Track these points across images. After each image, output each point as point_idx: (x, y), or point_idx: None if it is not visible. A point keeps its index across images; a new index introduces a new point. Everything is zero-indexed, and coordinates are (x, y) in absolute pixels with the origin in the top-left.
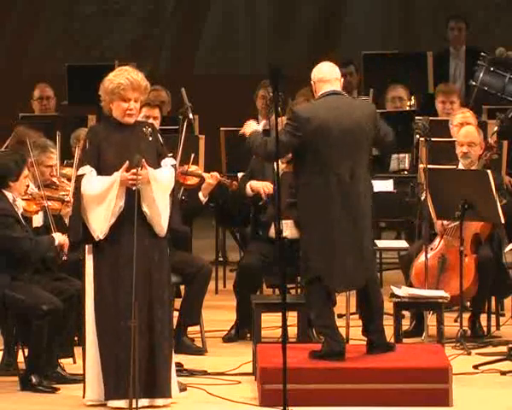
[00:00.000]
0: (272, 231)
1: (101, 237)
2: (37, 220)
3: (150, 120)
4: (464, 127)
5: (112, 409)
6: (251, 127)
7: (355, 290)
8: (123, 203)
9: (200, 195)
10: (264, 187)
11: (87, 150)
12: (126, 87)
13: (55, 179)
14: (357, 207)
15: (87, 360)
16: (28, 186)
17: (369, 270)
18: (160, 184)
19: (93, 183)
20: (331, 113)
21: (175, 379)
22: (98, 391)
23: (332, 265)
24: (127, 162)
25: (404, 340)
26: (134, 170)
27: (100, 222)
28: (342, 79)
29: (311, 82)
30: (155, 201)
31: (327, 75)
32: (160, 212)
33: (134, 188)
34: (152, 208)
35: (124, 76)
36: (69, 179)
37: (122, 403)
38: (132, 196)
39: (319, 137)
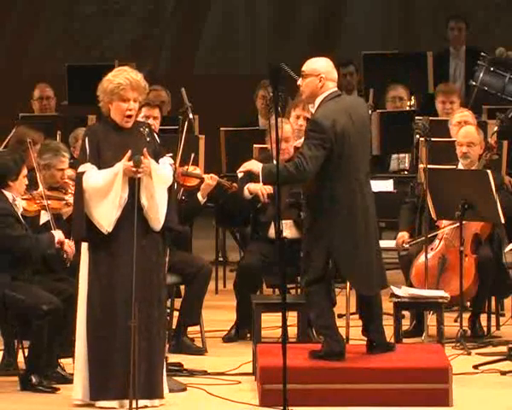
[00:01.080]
0: (271, 232)
1: (110, 229)
2: (45, 218)
3: (150, 120)
4: (464, 127)
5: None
6: (256, 164)
7: (355, 290)
8: (126, 195)
9: (199, 195)
10: (262, 189)
11: (87, 149)
12: (126, 87)
13: (66, 181)
14: (373, 207)
15: (77, 359)
16: (27, 185)
17: (384, 275)
18: (160, 177)
19: (95, 176)
20: (347, 116)
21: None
22: (85, 391)
23: (361, 270)
24: (129, 152)
25: (404, 340)
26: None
27: (107, 215)
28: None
29: (320, 75)
30: (154, 193)
31: (335, 74)
32: (157, 205)
33: (138, 176)
34: (150, 201)
35: (123, 76)
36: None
37: (114, 403)
38: (131, 190)
39: (341, 142)
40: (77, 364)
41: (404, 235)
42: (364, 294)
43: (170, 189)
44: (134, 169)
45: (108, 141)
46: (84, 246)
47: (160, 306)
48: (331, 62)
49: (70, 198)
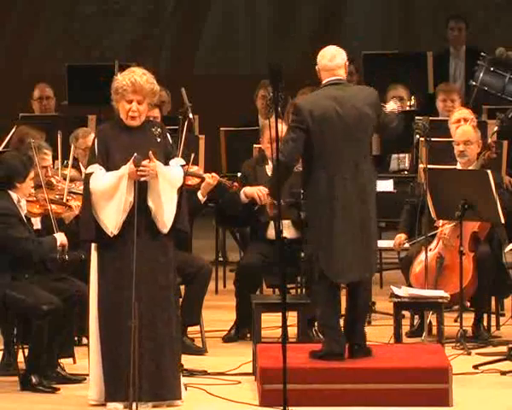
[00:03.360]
0: (271, 232)
1: (116, 232)
2: (36, 224)
3: None
4: (461, 126)
5: None
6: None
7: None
8: (132, 198)
9: (199, 194)
10: (258, 191)
11: (95, 150)
12: (127, 89)
13: (52, 180)
14: (361, 200)
15: (90, 359)
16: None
17: (369, 265)
18: (167, 179)
19: (101, 178)
20: (333, 103)
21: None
22: (100, 391)
23: (333, 258)
24: (135, 155)
25: (406, 340)
26: (143, 162)
27: (112, 218)
28: (347, 63)
29: (316, 68)
30: (161, 195)
31: (330, 63)
32: (164, 207)
33: (143, 179)
34: (157, 203)
35: (128, 77)
36: (69, 180)
37: (120, 405)
38: (138, 192)
39: (322, 128)
40: (91, 364)
41: (401, 236)
42: (333, 280)
43: (180, 191)
44: (138, 173)
45: (118, 141)
46: (93, 247)
47: (169, 307)
48: (333, 49)
49: (72, 202)
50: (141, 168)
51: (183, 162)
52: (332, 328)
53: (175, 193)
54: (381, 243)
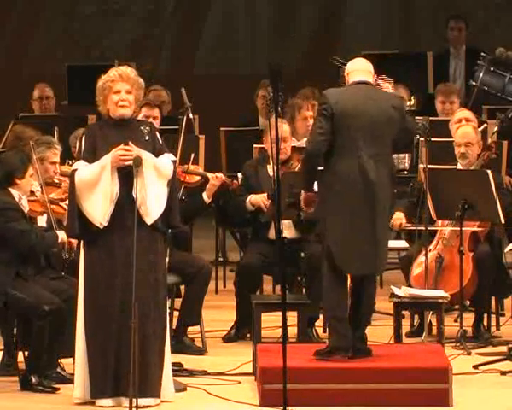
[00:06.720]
0: (271, 232)
1: (105, 223)
2: (40, 220)
3: (150, 120)
4: (461, 128)
5: (100, 408)
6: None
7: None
8: (118, 189)
9: (204, 195)
10: (264, 199)
11: (83, 147)
12: (115, 79)
13: (57, 177)
14: (377, 196)
15: (76, 358)
16: (32, 185)
17: (381, 260)
18: (151, 164)
19: (85, 170)
20: (359, 99)
21: (170, 379)
22: (84, 389)
23: (348, 250)
24: (122, 145)
25: (406, 340)
26: (124, 146)
27: (99, 208)
28: (375, 77)
29: (345, 74)
30: (146, 184)
31: (359, 66)
32: (148, 194)
33: (126, 163)
34: (141, 192)
35: (113, 71)
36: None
37: (109, 402)
38: (125, 186)
39: (345, 121)
40: (77, 362)
41: (401, 217)
42: (343, 269)
43: (171, 186)
44: (121, 158)
45: (106, 139)
46: (82, 245)
47: (158, 306)
48: (363, 59)
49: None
50: (122, 152)
51: (174, 158)
52: (340, 320)
53: (164, 184)
54: None
